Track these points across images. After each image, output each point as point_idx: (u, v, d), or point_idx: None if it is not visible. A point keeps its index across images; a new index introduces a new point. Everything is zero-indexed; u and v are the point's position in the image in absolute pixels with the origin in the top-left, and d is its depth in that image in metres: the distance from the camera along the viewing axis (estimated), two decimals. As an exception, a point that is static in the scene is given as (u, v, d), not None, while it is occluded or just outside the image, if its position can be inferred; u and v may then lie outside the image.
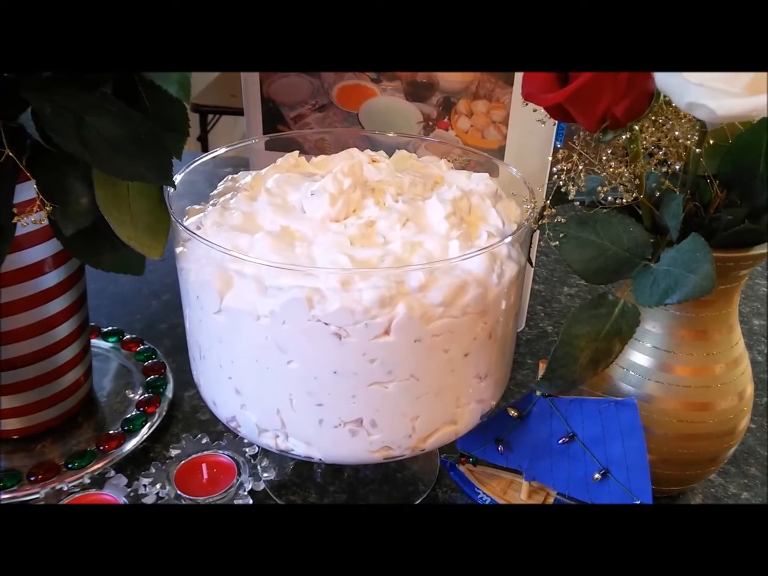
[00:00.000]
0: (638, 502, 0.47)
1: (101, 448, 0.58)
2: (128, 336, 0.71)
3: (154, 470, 0.55)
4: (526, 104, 0.42)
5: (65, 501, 0.52)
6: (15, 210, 0.43)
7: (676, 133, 0.38)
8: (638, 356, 0.50)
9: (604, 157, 0.40)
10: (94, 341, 0.69)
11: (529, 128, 0.62)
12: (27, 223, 0.42)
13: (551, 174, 0.41)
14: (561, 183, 0.41)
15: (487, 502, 0.55)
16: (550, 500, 0.53)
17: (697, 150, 0.38)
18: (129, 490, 0.54)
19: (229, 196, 0.49)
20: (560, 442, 0.49)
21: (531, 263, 0.47)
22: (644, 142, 0.39)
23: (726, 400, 0.50)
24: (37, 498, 0.53)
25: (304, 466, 0.59)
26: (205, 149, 2.45)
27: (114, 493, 0.53)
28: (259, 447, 0.57)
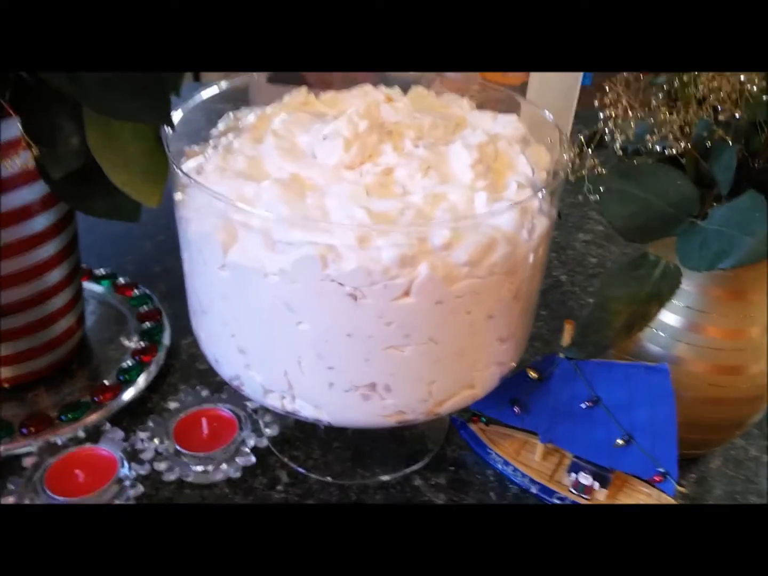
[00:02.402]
0: (662, 470, 0.45)
1: (96, 399, 0.55)
2: (122, 280, 0.67)
3: (151, 424, 0.53)
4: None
5: (60, 456, 0.50)
6: (-3, 151, 0.39)
7: (741, 77, 0.34)
8: (669, 316, 0.46)
9: (654, 102, 0.35)
10: (86, 284, 0.66)
11: (553, 64, 0.57)
12: (12, 167, 0.38)
13: (591, 122, 0.37)
14: (607, 131, 0.36)
15: (498, 463, 0.52)
16: (566, 462, 0.51)
17: (765, 98, 0.34)
18: (125, 444, 0.51)
19: (231, 136, 0.45)
20: (583, 406, 0.46)
21: (560, 216, 0.43)
22: (702, 87, 0.35)
23: (759, 364, 0.47)
24: (30, 452, 0.51)
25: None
26: (196, 77, 2.36)
27: (110, 448, 0.51)
28: (262, 402, 0.54)
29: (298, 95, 0.48)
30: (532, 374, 0.48)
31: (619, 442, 0.46)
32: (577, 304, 0.68)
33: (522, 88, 0.59)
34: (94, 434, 0.52)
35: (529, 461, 0.52)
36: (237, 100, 0.56)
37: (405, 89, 0.51)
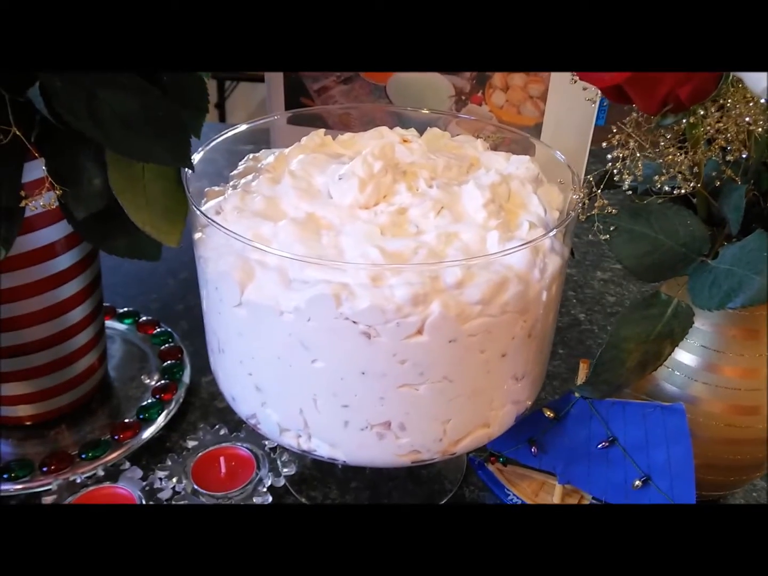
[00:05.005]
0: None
1: (116, 437, 0.56)
2: (144, 318, 0.68)
3: (170, 463, 0.53)
4: (575, 81, 0.38)
5: (79, 495, 0.50)
6: (23, 193, 0.40)
7: (747, 119, 0.34)
8: (685, 355, 0.46)
9: (662, 143, 0.36)
10: (109, 323, 0.67)
11: (568, 104, 0.58)
12: (35, 207, 0.40)
13: (605, 161, 0.37)
14: (615, 171, 0.37)
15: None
16: (585, 503, 0.50)
17: (769, 137, 0.35)
18: (144, 483, 0.51)
19: (250, 177, 0.46)
20: (599, 446, 0.46)
21: (573, 254, 0.43)
22: (708, 128, 0.36)
23: (777, 404, 0.47)
24: (50, 490, 0.51)
25: (326, 460, 0.56)
26: (222, 117, 2.41)
27: (129, 487, 0.51)
28: (279, 441, 0.55)
29: (315, 137, 0.49)
30: (549, 414, 0.48)
31: (637, 483, 0.45)
32: (595, 343, 0.68)
33: (537, 128, 0.60)
34: (114, 473, 0.52)
35: (547, 503, 0.52)
36: (258, 141, 0.58)
37: (421, 130, 0.52)
